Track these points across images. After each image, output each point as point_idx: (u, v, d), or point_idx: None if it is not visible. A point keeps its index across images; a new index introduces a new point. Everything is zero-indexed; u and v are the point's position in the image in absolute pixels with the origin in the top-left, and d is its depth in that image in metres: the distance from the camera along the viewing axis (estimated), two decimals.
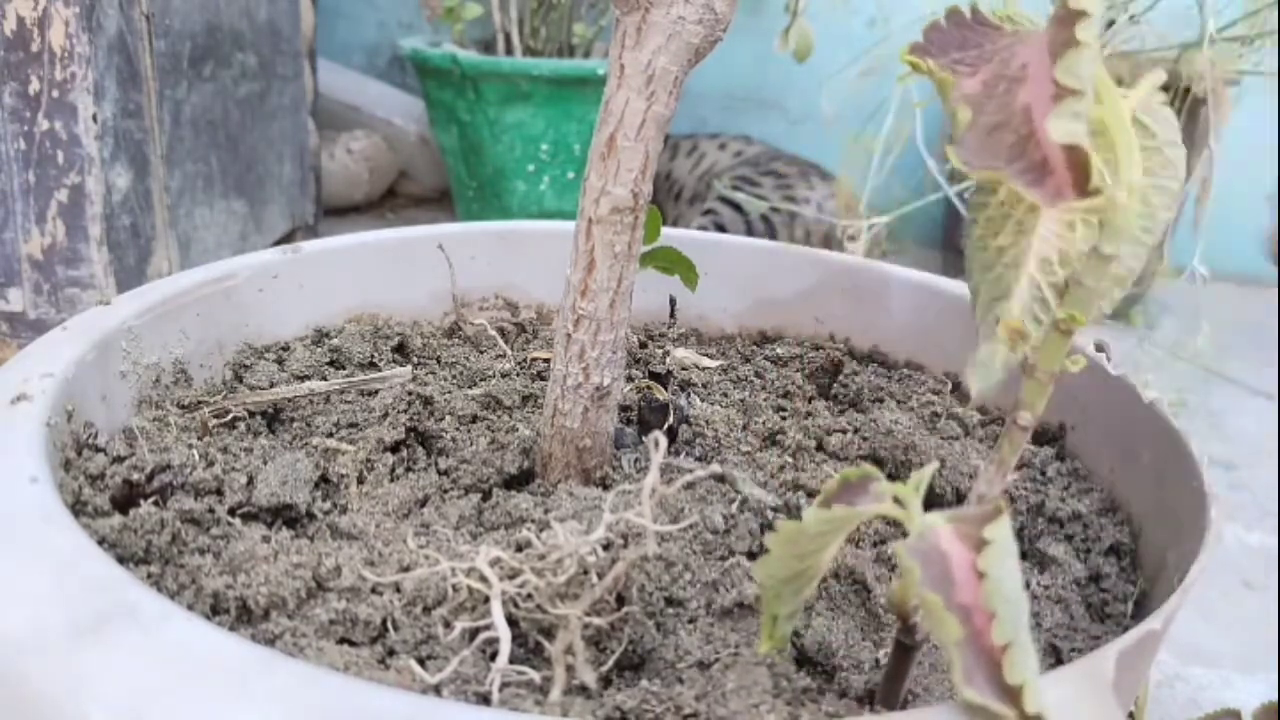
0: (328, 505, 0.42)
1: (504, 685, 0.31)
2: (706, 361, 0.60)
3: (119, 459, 0.41)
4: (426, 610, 0.35)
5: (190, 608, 0.34)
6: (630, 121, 0.39)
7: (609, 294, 0.41)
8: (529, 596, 0.34)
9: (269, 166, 1.23)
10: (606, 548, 0.36)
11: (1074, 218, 0.28)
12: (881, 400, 0.56)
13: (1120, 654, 0.28)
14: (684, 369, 0.58)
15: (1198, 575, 0.34)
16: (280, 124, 1.26)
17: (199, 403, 0.48)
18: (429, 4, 1.59)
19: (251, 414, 0.48)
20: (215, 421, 0.47)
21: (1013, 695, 0.23)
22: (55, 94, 0.82)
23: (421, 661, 0.33)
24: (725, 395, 0.55)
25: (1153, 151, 0.31)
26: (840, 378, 0.58)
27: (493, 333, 0.61)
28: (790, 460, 0.48)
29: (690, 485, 0.43)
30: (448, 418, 0.49)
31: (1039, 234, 0.31)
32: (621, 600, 0.36)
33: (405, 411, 0.48)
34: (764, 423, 0.51)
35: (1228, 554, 0.94)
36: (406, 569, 0.37)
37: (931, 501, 0.47)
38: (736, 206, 1.49)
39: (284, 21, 1.25)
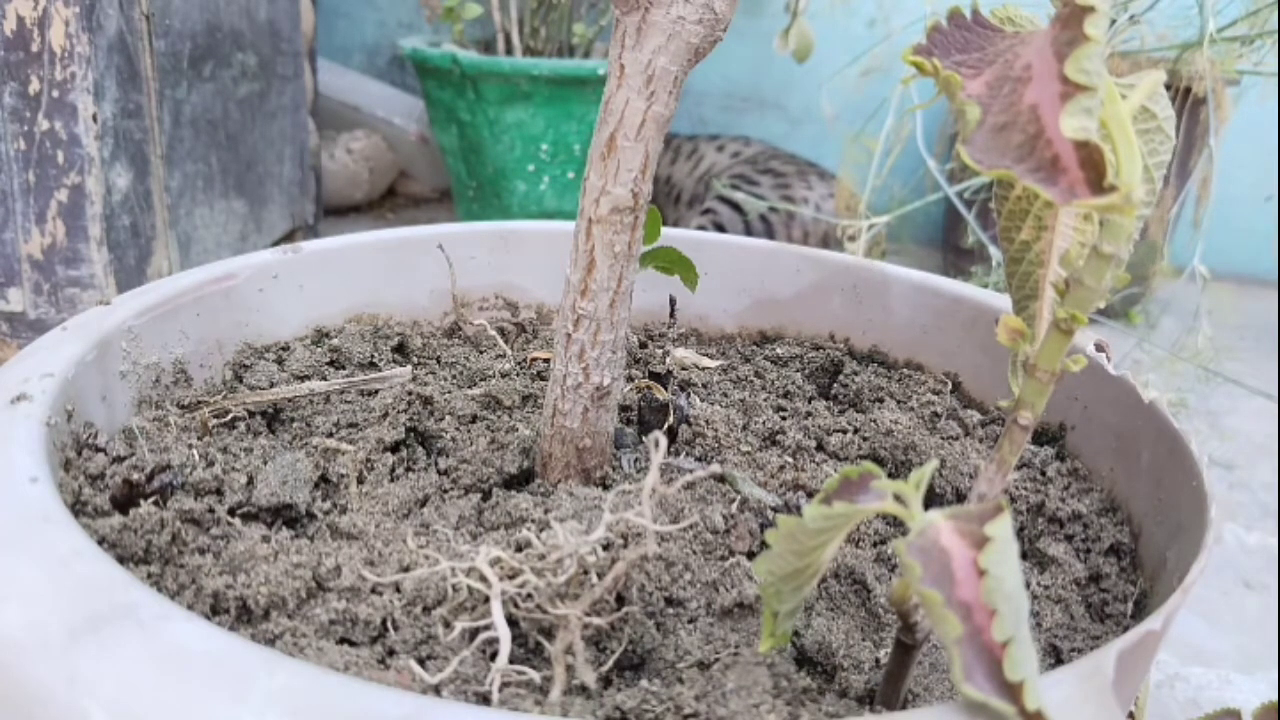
0: (328, 505, 0.42)
1: (504, 685, 0.31)
2: (706, 361, 0.60)
3: (119, 459, 0.41)
4: (426, 610, 0.35)
5: (190, 608, 0.34)
6: (630, 121, 0.39)
7: (609, 294, 0.41)
8: (529, 596, 0.34)
9: (269, 166, 1.23)
10: (606, 548, 0.36)
11: (1089, 211, 0.28)
12: (881, 400, 0.56)
13: (1120, 654, 0.28)
14: (684, 369, 0.58)
15: (1198, 575, 0.34)
16: (280, 124, 1.26)
17: (199, 403, 0.48)
18: (429, 4, 1.59)
19: (251, 414, 0.48)
20: (215, 421, 0.47)
21: (1013, 692, 0.23)
22: (55, 94, 0.82)
23: (421, 661, 0.33)
24: (725, 395, 0.55)
25: (1154, 131, 0.31)
26: (840, 378, 0.58)
27: (493, 333, 0.61)
28: (790, 460, 0.48)
29: (690, 485, 0.43)
30: (448, 418, 0.49)
31: (1059, 230, 0.31)
32: (621, 600, 0.36)
33: (405, 411, 0.48)
34: (764, 423, 0.51)
35: (1228, 554, 0.94)
36: (406, 569, 0.37)
37: (931, 501, 0.47)
38: (735, 206, 1.49)
39: (284, 21, 1.25)
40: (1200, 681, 0.76)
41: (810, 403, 0.56)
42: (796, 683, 0.33)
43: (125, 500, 0.38)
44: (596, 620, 0.34)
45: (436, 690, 0.31)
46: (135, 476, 0.39)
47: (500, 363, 0.57)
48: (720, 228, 1.46)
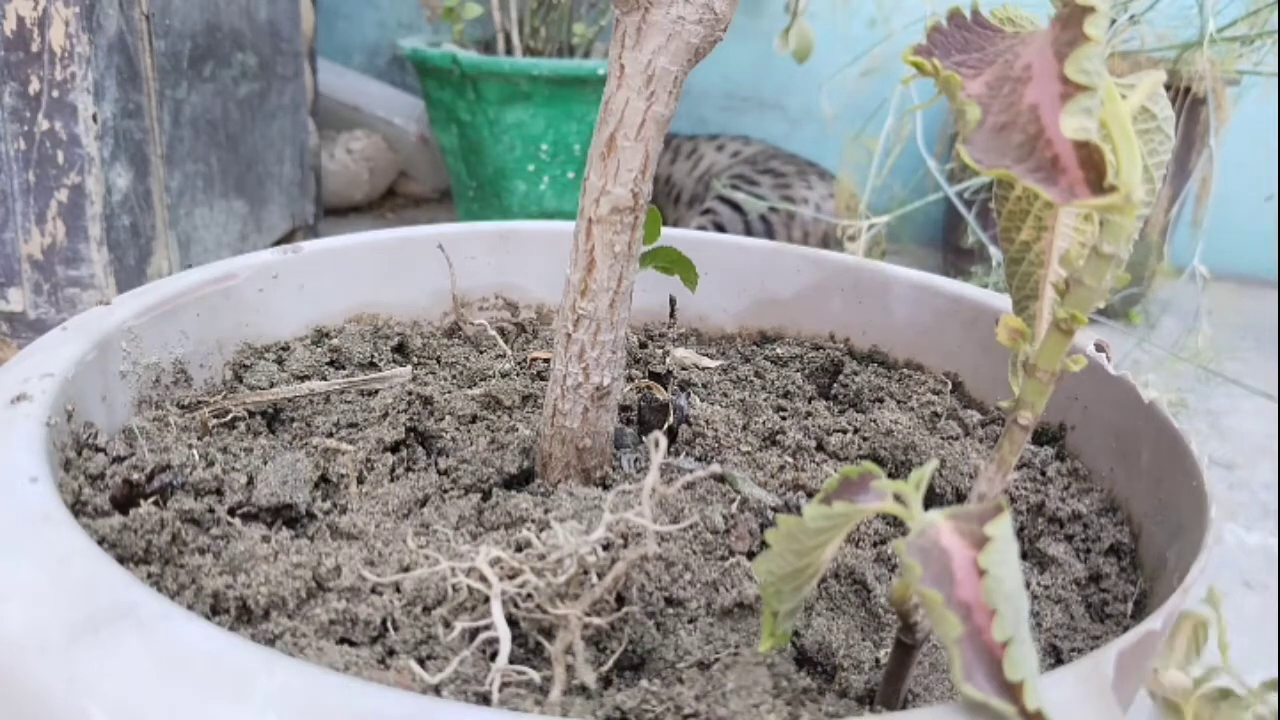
0: (328, 505, 0.42)
1: (504, 685, 0.31)
2: (706, 361, 0.60)
3: (119, 459, 0.41)
4: (426, 610, 0.35)
5: (190, 608, 0.34)
6: (630, 121, 0.39)
7: (609, 294, 0.41)
8: (529, 596, 0.34)
9: (269, 166, 1.23)
10: (606, 548, 0.36)
11: (1089, 211, 0.28)
12: (881, 400, 0.56)
13: (1120, 654, 0.28)
14: (684, 369, 0.58)
15: (1198, 575, 0.34)
16: (280, 124, 1.26)
17: (199, 403, 0.48)
18: (429, 4, 1.59)
19: (251, 414, 0.48)
20: (215, 421, 0.47)
21: (1013, 692, 0.23)
22: (55, 94, 0.82)
23: (421, 661, 0.33)
24: (725, 395, 0.55)
25: (1153, 131, 0.31)
26: (840, 378, 0.58)
27: (493, 333, 0.61)
28: (790, 460, 0.48)
29: (690, 485, 0.43)
30: (448, 418, 0.49)
31: (1059, 230, 0.31)
32: (621, 600, 0.36)
33: (405, 411, 0.48)
34: (764, 423, 0.51)
35: (1228, 554, 0.94)
36: (406, 569, 0.37)
37: (931, 501, 0.47)
38: (735, 206, 1.49)
39: (284, 21, 1.25)
40: None
41: (810, 403, 0.56)
42: (796, 683, 0.33)
43: (125, 500, 0.38)
44: (596, 620, 0.34)
45: (436, 690, 0.31)
46: (135, 476, 0.39)
47: (500, 363, 0.57)
48: (720, 228, 1.46)
